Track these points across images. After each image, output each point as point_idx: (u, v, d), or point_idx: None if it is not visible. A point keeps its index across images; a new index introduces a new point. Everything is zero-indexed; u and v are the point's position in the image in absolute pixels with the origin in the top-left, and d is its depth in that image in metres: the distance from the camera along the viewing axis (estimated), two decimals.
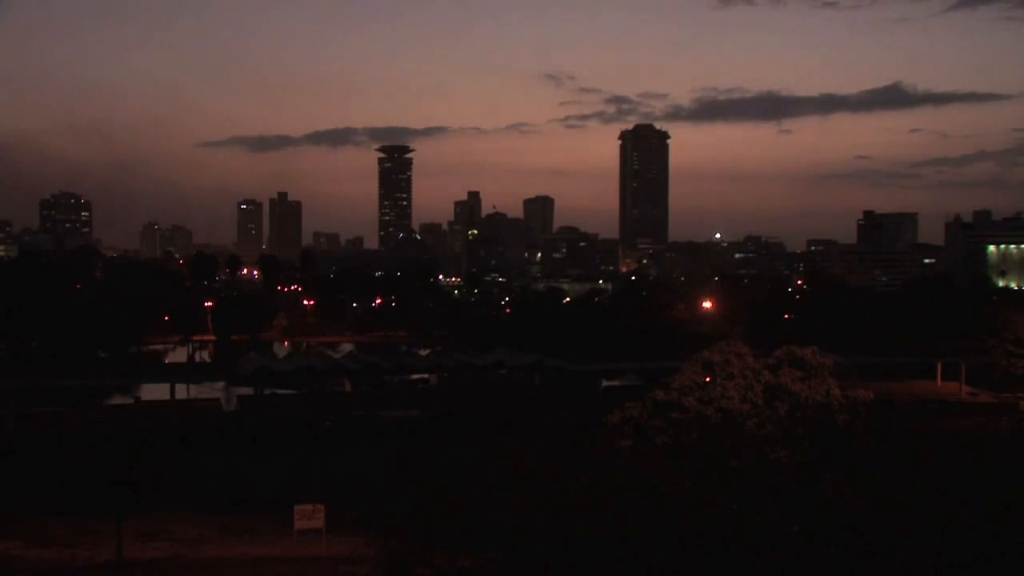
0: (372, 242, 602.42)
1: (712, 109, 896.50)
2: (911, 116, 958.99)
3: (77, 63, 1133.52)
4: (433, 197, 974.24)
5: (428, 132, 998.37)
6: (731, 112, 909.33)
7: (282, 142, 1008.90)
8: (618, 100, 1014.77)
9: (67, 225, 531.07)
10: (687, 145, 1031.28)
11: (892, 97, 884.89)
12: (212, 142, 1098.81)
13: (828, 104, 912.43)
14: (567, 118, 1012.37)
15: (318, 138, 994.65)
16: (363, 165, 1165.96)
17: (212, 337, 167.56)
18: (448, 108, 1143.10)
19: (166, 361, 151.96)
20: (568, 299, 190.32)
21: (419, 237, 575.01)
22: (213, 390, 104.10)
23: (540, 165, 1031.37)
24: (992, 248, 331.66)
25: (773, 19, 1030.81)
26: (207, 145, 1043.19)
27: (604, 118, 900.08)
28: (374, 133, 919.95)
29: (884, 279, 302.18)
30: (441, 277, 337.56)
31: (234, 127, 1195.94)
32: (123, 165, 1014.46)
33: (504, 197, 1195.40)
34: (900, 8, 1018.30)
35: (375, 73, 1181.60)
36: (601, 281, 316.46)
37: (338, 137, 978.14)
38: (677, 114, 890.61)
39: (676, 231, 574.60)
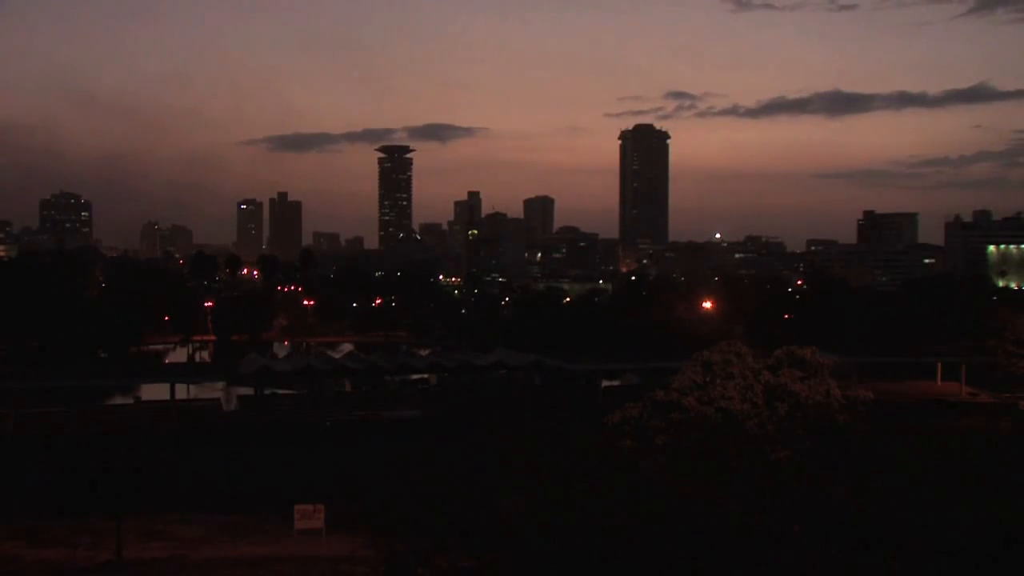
0: (372, 242, 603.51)
1: (773, 107, 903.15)
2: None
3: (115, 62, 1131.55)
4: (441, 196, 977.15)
5: (469, 132, 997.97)
6: (793, 109, 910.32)
7: (321, 139, 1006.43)
8: (680, 96, 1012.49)
9: (67, 225, 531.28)
10: (748, 143, 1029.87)
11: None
12: (251, 140, 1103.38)
13: (896, 101, 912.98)
14: (621, 114, 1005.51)
15: (354, 137, 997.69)
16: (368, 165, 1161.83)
17: (212, 337, 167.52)
18: (499, 105, 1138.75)
19: (166, 361, 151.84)
20: (568, 299, 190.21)
21: (419, 237, 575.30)
22: (213, 390, 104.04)
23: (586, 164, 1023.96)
24: (992, 248, 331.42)
25: (790, 21, 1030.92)
26: (246, 143, 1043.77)
27: (660, 115, 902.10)
28: (414, 132, 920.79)
29: (884, 279, 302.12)
30: (441, 277, 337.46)
31: (272, 126, 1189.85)
32: (163, 163, 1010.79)
33: (510, 197, 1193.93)
34: (919, 11, 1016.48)
35: (433, 69, 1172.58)
36: (601, 281, 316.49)
37: (375, 136, 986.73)
38: (735, 111, 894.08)
39: (676, 231, 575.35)
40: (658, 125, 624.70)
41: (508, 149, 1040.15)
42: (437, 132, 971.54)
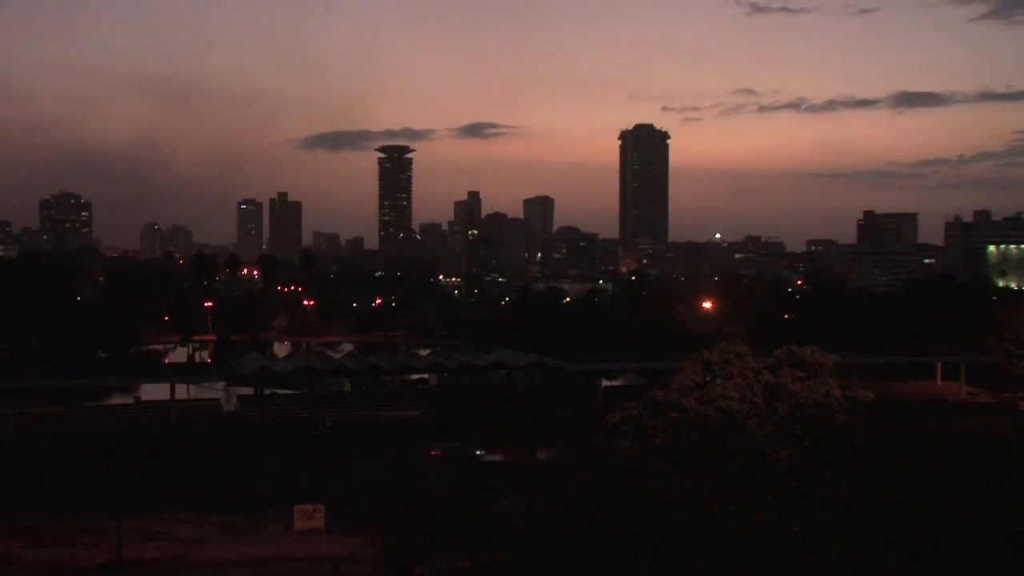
0: (372, 242, 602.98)
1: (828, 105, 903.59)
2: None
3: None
4: (504, 194, 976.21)
5: (514, 131, 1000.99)
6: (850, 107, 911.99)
7: (360, 137, 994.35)
8: (747, 92, 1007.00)
9: (67, 225, 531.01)
10: (749, 143, 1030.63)
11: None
12: (289, 139, 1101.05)
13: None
14: (683, 108, 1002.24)
15: (392, 135, 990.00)
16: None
17: (212, 337, 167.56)
18: (553, 104, 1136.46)
19: (166, 361, 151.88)
20: (568, 299, 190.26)
21: (419, 237, 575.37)
22: (213, 390, 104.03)
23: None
24: (992, 248, 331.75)
25: (802, 24, 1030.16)
26: (283, 142, 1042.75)
27: (723, 109, 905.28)
28: (455, 132, 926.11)
29: (884, 279, 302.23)
30: (441, 277, 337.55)
31: (317, 124, 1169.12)
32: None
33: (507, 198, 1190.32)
34: (935, 15, 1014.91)
35: (487, 67, 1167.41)
36: (601, 281, 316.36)
37: (414, 135, 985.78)
38: (798, 105, 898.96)
39: (676, 231, 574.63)
40: (658, 125, 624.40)
41: (559, 150, 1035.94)
42: (479, 131, 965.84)
